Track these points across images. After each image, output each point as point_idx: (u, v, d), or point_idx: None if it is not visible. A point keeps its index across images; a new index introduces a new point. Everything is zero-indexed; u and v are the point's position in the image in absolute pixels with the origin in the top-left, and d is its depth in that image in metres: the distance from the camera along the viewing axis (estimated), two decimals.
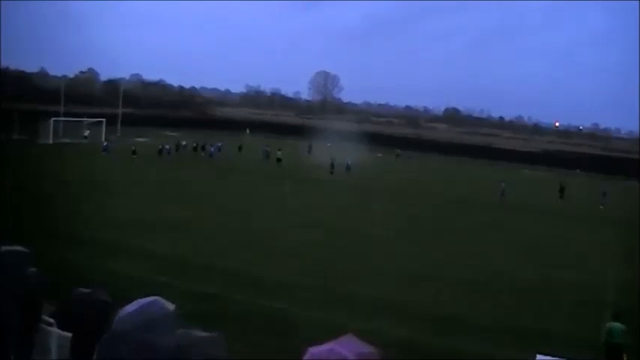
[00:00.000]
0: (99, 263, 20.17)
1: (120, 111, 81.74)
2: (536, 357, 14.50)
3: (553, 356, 14.46)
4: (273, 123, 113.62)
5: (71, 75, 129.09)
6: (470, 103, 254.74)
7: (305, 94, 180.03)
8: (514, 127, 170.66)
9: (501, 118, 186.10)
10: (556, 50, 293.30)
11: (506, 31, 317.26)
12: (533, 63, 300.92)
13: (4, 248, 7.96)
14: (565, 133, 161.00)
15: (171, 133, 79.79)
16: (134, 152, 54.82)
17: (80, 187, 36.81)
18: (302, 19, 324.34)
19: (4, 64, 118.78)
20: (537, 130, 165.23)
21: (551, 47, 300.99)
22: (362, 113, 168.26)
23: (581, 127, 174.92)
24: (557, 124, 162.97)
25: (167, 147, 60.37)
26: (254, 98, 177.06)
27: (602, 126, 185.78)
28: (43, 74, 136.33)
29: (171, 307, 6.95)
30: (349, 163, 58.04)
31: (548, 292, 22.75)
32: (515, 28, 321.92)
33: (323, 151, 69.81)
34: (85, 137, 65.66)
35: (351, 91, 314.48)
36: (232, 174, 50.44)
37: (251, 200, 38.08)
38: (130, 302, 7.18)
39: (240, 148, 68.04)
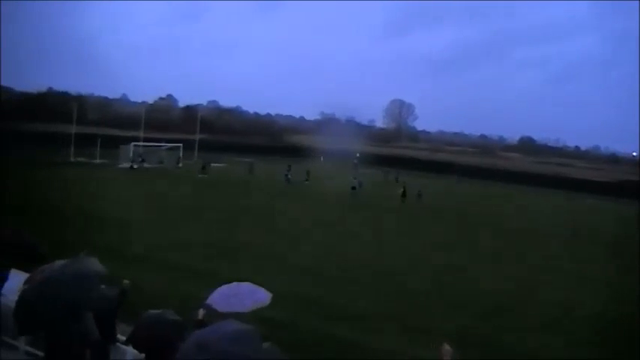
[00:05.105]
0: (177, 286, 20.79)
1: (197, 137, 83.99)
2: None
3: None
4: (348, 150, 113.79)
5: (151, 101, 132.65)
6: (545, 132, 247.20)
7: (380, 122, 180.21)
8: (590, 156, 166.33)
9: (577, 147, 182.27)
10: None
11: (602, 60, 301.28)
12: (617, 93, 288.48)
13: (81, 263, 8.30)
14: None
15: (246, 159, 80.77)
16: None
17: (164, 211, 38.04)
18: (385, 47, 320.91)
19: (89, 91, 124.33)
20: (614, 159, 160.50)
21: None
22: (436, 142, 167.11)
23: None
24: (634, 153, 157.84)
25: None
26: (328, 125, 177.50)
27: None
28: (124, 100, 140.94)
29: (249, 327, 6.82)
30: (420, 191, 57.56)
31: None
32: (611, 56, 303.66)
33: (398, 180, 71.46)
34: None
35: (426, 120, 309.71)
36: (303, 200, 50.96)
37: (329, 227, 38.00)
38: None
39: (307, 175, 66.63)
